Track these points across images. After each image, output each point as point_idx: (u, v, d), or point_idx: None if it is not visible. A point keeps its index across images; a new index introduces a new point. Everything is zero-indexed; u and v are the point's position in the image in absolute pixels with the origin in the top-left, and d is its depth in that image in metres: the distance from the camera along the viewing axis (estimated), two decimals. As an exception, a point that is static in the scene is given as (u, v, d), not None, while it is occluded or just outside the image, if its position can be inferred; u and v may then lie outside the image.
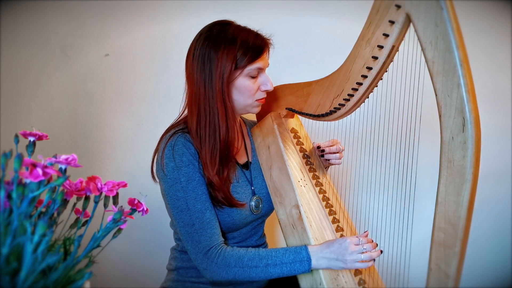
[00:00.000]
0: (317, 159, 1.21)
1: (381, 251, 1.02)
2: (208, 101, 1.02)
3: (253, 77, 1.05)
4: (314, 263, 0.99)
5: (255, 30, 1.06)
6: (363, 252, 0.97)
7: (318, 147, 1.21)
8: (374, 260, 1.00)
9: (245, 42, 1.01)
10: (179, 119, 1.12)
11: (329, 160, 1.21)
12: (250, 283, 1.15)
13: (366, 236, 1.01)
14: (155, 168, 1.07)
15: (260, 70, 1.06)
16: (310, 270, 0.99)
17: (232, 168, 1.09)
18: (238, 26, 1.04)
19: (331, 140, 1.21)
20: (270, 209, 1.17)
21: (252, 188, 1.14)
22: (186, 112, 1.10)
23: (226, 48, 0.99)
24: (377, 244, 1.01)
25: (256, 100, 1.08)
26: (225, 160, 1.06)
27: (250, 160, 1.18)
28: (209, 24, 1.06)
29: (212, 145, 1.03)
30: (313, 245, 1.01)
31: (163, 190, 1.04)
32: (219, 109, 1.02)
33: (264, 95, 1.09)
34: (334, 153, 1.19)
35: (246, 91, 1.04)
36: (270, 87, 1.08)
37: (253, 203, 1.12)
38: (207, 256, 1.00)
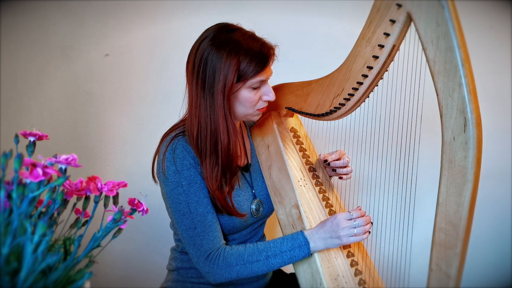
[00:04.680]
0: (316, 160, 1.21)
1: (372, 223, 1.01)
2: (209, 113, 0.99)
3: (254, 88, 1.02)
4: (313, 245, 0.99)
5: (262, 38, 1.02)
6: (356, 227, 0.97)
7: (325, 160, 1.16)
8: (369, 232, 1.00)
9: (249, 54, 0.97)
10: (180, 121, 1.12)
11: (338, 174, 1.16)
12: (250, 283, 1.15)
13: (359, 210, 1.01)
14: (156, 170, 1.06)
15: (262, 82, 1.03)
16: (310, 254, 0.99)
17: (235, 177, 1.08)
18: (244, 34, 1.00)
19: (337, 152, 1.16)
20: (270, 210, 1.17)
21: (253, 191, 1.14)
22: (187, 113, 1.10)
23: (228, 58, 0.96)
24: (370, 217, 1.01)
25: (257, 110, 1.07)
26: (229, 174, 1.04)
27: (250, 162, 1.17)
28: (214, 28, 1.02)
29: (214, 159, 1.01)
30: (307, 229, 1.01)
31: (164, 193, 1.04)
32: (221, 123, 0.99)
33: (265, 104, 1.07)
34: (342, 167, 1.16)
35: (247, 102, 1.03)
36: (271, 98, 1.05)
37: (253, 206, 1.12)
38: (208, 260, 1.00)
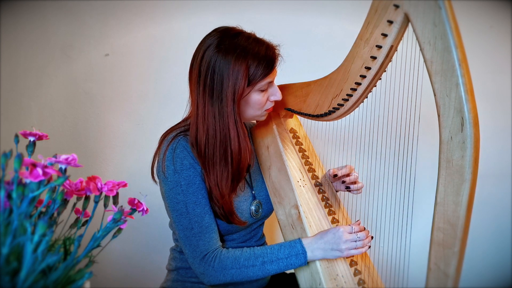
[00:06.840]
0: (316, 160, 1.21)
1: (372, 237, 1.03)
2: (218, 120, 0.99)
3: (262, 91, 1.03)
4: (310, 255, 0.99)
5: (264, 39, 1.02)
6: (357, 241, 0.98)
7: (335, 175, 1.13)
8: (369, 246, 1.01)
9: (256, 58, 0.98)
10: (180, 121, 1.12)
11: (349, 188, 1.15)
12: (250, 283, 1.15)
13: (359, 224, 1.02)
14: (155, 170, 1.06)
15: (270, 83, 1.04)
16: (306, 263, 1.00)
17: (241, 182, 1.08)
18: (248, 38, 1.00)
19: (347, 167, 1.14)
20: (269, 211, 1.17)
21: (253, 192, 1.14)
22: (187, 113, 1.10)
23: (237, 64, 0.96)
24: (369, 231, 1.02)
25: (265, 110, 1.07)
26: (235, 181, 1.04)
27: (250, 163, 1.17)
28: (216, 34, 1.01)
29: (223, 166, 1.01)
30: (307, 237, 1.02)
31: (163, 192, 1.04)
32: (231, 129, 0.99)
33: (272, 104, 1.08)
34: (353, 182, 1.15)
35: (256, 105, 1.03)
36: (279, 97, 1.06)
37: (253, 207, 1.12)
38: (204, 261, 1.01)
